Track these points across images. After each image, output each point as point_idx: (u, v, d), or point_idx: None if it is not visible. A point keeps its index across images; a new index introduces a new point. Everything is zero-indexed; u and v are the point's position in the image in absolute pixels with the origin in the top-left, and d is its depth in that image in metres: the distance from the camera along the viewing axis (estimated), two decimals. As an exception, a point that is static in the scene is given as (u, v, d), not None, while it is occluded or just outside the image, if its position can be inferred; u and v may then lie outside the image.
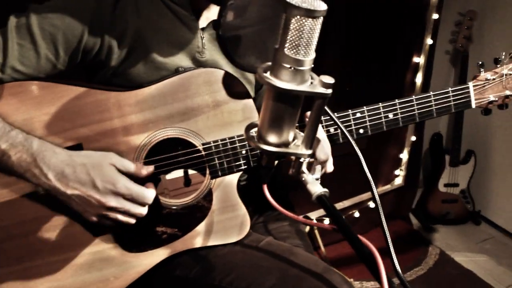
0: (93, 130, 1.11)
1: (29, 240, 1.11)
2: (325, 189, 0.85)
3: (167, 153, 1.15)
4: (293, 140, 0.86)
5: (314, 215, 2.69)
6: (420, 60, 2.70)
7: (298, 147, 0.85)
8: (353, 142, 0.96)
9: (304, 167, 0.89)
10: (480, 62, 1.28)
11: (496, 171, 3.18)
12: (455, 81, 3.22)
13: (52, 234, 1.12)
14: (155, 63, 1.16)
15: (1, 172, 1.01)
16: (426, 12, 2.59)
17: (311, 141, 0.85)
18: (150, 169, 1.09)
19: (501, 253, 3.01)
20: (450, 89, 1.25)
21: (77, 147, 1.10)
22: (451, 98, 1.25)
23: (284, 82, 0.74)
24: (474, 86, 1.27)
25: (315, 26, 0.72)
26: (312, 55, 0.75)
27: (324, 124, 1.20)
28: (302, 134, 0.86)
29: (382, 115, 1.21)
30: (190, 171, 1.19)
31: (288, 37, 0.72)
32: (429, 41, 2.65)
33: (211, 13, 1.21)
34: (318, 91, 0.76)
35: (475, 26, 2.90)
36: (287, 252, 1.15)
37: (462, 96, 1.26)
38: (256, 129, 0.85)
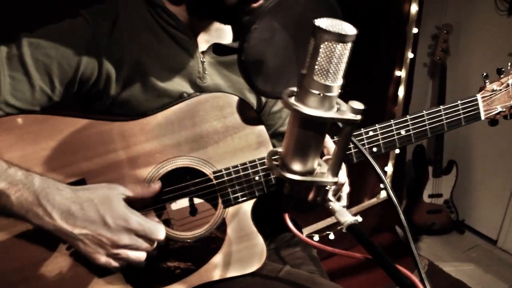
0: (96, 163, 1.04)
1: (30, 286, 1.02)
2: (355, 218, 0.81)
3: (176, 184, 1.09)
4: (318, 167, 0.82)
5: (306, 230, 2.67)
6: (401, 73, 2.73)
7: (324, 175, 0.81)
8: (375, 165, 0.92)
9: (330, 195, 0.85)
10: (485, 74, 1.28)
11: (478, 180, 3.23)
12: (433, 93, 3.27)
13: (55, 278, 1.03)
14: (156, 90, 1.10)
15: (1, 214, 0.92)
16: (406, 26, 2.62)
17: (338, 169, 0.82)
18: (157, 185, 1.03)
19: (488, 261, 3.04)
20: (459, 102, 1.24)
21: (80, 182, 1.02)
22: (461, 111, 1.24)
23: (312, 109, 0.71)
24: (482, 97, 1.26)
25: (345, 51, 0.69)
26: (340, 80, 0.72)
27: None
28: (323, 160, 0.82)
29: (395, 132, 1.19)
30: (200, 200, 1.13)
31: (317, 63, 0.69)
32: (409, 54, 2.68)
33: (210, 35, 1.16)
34: (348, 117, 0.73)
35: (451, 39, 2.96)
36: (309, 281, 1.10)
37: (471, 108, 1.25)
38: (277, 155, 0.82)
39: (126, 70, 1.07)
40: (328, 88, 0.70)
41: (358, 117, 0.73)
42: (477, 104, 1.25)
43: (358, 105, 0.74)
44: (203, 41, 1.15)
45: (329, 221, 2.81)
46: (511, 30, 2.80)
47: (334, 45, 0.67)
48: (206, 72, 1.14)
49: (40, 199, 0.90)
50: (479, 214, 3.27)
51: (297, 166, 0.78)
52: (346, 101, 0.74)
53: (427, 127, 1.21)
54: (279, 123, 1.34)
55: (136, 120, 1.06)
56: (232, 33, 1.22)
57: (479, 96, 1.26)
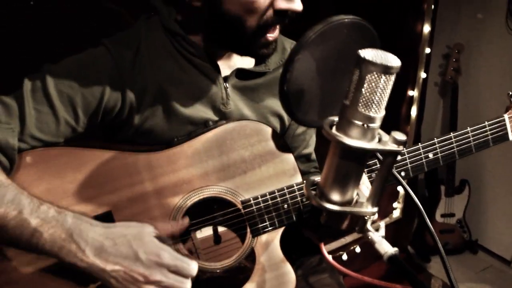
0: (122, 195, 1.02)
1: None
2: (395, 248, 0.80)
3: (204, 215, 1.07)
4: (356, 196, 0.81)
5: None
6: (414, 93, 2.72)
7: (363, 205, 0.80)
8: (411, 193, 0.91)
9: (369, 225, 0.84)
10: (510, 93, 1.27)
11: (491, 199, 3.19)
12: (444, 112, 3.25)
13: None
14: (180, 118, 1.09)
15: (30, 251, 0.89)
16: (419, 46, 2.62)
17: (378, 199, 0.80)
18: (186, 221, 1.01)
19: (502, 282, 3.00)
20: (486, 123, 1.22)
21: (107, 215, 1.01)
22: (488, 132, 1.22)
23: (354, 140, 0.70)
24: (509, 117, 1.25)
25: (389, 82, 0.68)
26: (383, 111, 0.71)
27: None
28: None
29: (422, 155, 1.18)
30: (224, 228, 1.11)
31: (362, 94, 0.68)
32: (422, 74, 2.67)
33: (232, 60, 1.15)
34: (390, 148, 0.72)
35: (462, 58, 2.96)
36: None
37: (499, 129, 1.23)
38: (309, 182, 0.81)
39: (149, 99, 1.06)
40: (371, 119, 0.70)
41: (401, 148, 0.72)
42: (505, 125, 1.23)
43: (401, 136, 0.73)
44: (226, 66, 1.14)
45: (342, 241, 2.79)
46: (523, 50, 2.80)
47: (379, 77, 0.67)
48: (229, 97, 1.13)
49: (74, 236, 0.88)
50: (492, 234, 3.23)
51: (336, 196, 0.77)
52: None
53: (455, 149, 1.20)
54: (302, 145, 1.33)
55: (162, 151, 1.05)
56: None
57: (506, 116, 1.24)
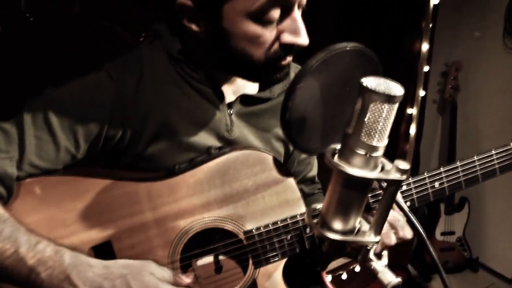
0: (122, 225, 1.00)
1: None
2: (399, 279, 0.78)
3: (205, 245, 1.05)
4: (358, 225, 0.79)
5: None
6: (413, 111, 2.72)
7: (365, 234, 0.78)
8: (416, 224, 0.89)
9: (371, 255, 0.82)
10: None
11: (491, 217, 3.18)
12: (443, 130, 3.25)
13: None
14: (182, 145, 1.07)
15: None
16: (417, 65, 2.63)
17: (381, 228, 0.79)
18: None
19: (503, 301, 2.97)
20: (493, 151, 1.20)
21: (106, 245, 0.98)
22: (495, 162, 1.20)
23: (357, 169, 0.68)
24: (516, 145, 1.23)
25: (392, 112, 0.67)
26: (386, 140, 0.69)
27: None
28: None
29: (428, 185, 1.15)
30: (230, 260, 1.08)
31: (364, 123, 0.66)
32: (421, 92, 2.68)
33: (236, 86, 1.13)
34: (393, 177, 0.70)
35: (460, 76, 2.97)
36: None
37: (506, 158, 1.21)
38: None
39: (152, 126, 1.04)
40: (374, 149, 0.68)
41: (404, 177, 0.70)
42: (512, 153, 1.21)
43: (404, 165, 0.71)
44: (230, 92, 1.12)
45: (341, 261, 2.76)
46: (521, 67, 2.81)
47: (382, 106, 0.65)
48: (233, 124, 1.11)
49: (71, 277, 0.85)
50: (493, 251, 3.21)
51: (338, 225, 0.75)
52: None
53: (461, 179, 1.17)
54: (307, 169, 1.32)
55: (164, 180, 1.02)
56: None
57: (513, 143, 1.22)
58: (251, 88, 1.14)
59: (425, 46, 2.61)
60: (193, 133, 1.07)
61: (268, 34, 0.93)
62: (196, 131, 1.08)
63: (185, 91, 1.06)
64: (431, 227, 3.10)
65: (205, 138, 1.09)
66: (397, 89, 0.67)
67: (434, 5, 2.69)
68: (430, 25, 2.68)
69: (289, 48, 0.96)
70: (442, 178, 1.16)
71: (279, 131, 1.17)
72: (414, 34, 2.63)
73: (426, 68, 2.65)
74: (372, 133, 0.67)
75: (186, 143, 1.07)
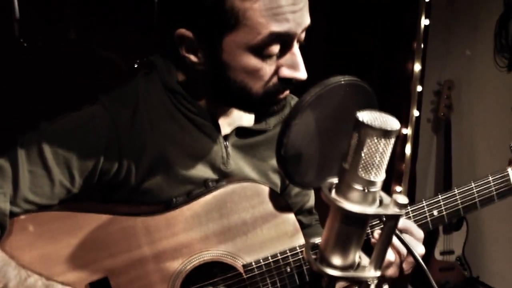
0: (120, 261, 0.99)
1: None
2: None
3: (205, 279, 1.03)
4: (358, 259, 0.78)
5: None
6: (407, 131, 2.73)
7: (365, 269, 0.77)
8: (418, 258, 0.89)
9: (372, 288, 0.81)
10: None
11: (489, 234, 3.17)
12: (438, 148, 3.26)
13: None
14: (179, 178, 1.06)
15: None
16: (410, 85, 2.65)
17: (381, 263, 0.77)
18: None
19: (505, 319, 2.95)
20: (490, 177, 1.20)
21: (103, 281, 0.97)
22: (493, 188, 1.20)
23: (355, 205, 0.67)
24: (512, 170, 1.23)
25: (389, 146, 0.66)
26: (384, 175, 0.69)
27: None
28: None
29: (427, 213, 1.15)
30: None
31: (361, 158, 0.66)
32: (415, 112, 2.69)
33: (232, 118, 1.13)
34: (391, 212, 0.70)
35: (453, 95, 2.99)
36: None
37: (503, 184, 1.21)
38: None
39: (147, 159, 1.04)
40: (371, 183, 0.67)
41: (403, 211, 0.69)
42: (509, 179, 1.21)
43: (402, 199, 0.71)
44: (225, 124, 1.12)
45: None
46: (512, 85, 2.83)
47: (379, 141, 0.64)
48: (229, 156, 1.11)
49: None
50: (493, 270, 3.19)
51: (337, 260, 0.74)
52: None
53: (459, 206, 1.17)
54: (305, 200, 1.31)
55: (161, 214, 1.02)
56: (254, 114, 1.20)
57: (509, 170, 1.22)
58: (247, 120, 1.14)
59: (417, 67, 2.64)
60: (189, 165, 1.07)
61: (268, 67, 0.94)
62: (192, 164, 1.07)
63: (181, 123, 1.06)
64: (430, 247, 3.08)
65: (201, 171, 1.08)
66: (393, 124, 0.66)
67: (425, 26, 2.73)
68: (422, 46, 2.71)
69: (287, 82, 0.97)
70: (440, 205, 1.16)
71: (275, 162, 1.17)
72: (406, 55, 2.66)
73: (419, 88, 2.67)
74: (369, 168, 0.66)
75: (182, 175, 1.06)
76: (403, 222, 1.08)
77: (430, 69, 2.89)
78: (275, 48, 0.91)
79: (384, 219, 0.73)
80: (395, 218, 0.71)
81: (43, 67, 2.08)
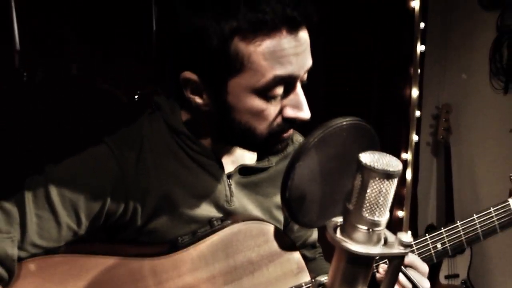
0: (127, 303, 0.99)
1: None
2: None
3: (211, 320, 1.03)
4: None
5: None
6: (407, 156, 2.74)
7: None
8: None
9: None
10: (512, 176, 1.27)
11: (494, 256, 3.15)
12: (439, 172, 3.27)
13: None
14: (184, 218, 1.07)
15: None
16: (409, 110, 2.68)
17: (388, 300, 0.78)
18: None
19: None
20: (492, 209, 1.21)
21: (111, 325, 0.97)
22: (495, 219, 1.21)
23: (360, 245, 0.69)
24: (513, 201, 1.24)
25: (392, 186, 0.68)
26: (388, 214, 0.70)
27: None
28: None
29: (430, 246, 1.16)
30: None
31: (365, 199, 0.67)
32: (414, 137, 2.71)
33: (235, 156, 1.15)
34: (396, 251, 0.71)
35: (452, 118, 3.02)
36: None
37: (505, 215, 1.22)
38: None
39: (152, 200, 1.05)
40: (376, 224, 0.68)
41: (407, 250, 0.70)
42: (510, 210, 1.22)
43: (407, 238, 0.72)
44: (229, 163, 1.13)
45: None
46: (509, 107, 2.86)
47: (382, 182, 0.65)
48: (233, 195, 1.12)
49: None
50: (499, 292, 3.17)
51: None
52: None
53: (462, 238, 1.18)
54: (308, 234, 1.32)
55: (167, 256, 1.02)
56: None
57: (511, 201, 1.24)
58: (249, 158, 1.16)
59: (415, 92, 2.67)
60: (194, 205, 1.08)
61: (272, 108, 0.96)
62: (196, 203, 1.08)
63: (185, 163, 1.07)
64: (435, 271, 3.06)
65: (205, 210, 1.09)
66: (395, 165, 0.68)
67: (421, 52, 2.77)
68: (419, 71, 2.74)
69: (291, 122, 0.98)
70: (443, 238, 1.17)
71: (277, 199, 1.18)
72: (403, 81, 2.69)
73: (417, 113, 2.69)
74: (373, 209, 0.68)
75: (187, 215, 1.07)
76: (407, 257, 1.09)
77: (427, 93, 2.93)
78: (279, 90, 0.93)
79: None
80: (401, 257, 0.72)
81: (43, 99, 2.09)
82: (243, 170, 1.13)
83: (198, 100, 0.99)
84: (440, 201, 3.27)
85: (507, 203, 1.22)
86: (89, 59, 2.20)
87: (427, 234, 1.16)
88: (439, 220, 3.28)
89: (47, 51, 2.13)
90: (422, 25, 2.76)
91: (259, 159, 1.16)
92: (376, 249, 0.69)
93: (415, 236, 1.16)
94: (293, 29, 0.90)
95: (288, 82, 0.94)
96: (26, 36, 2.03)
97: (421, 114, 2.73)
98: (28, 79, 2.10)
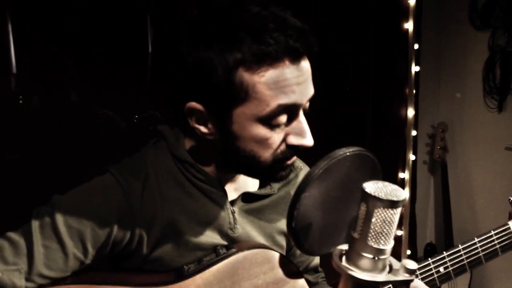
0: (134, 334, 0.99)
1: None
2: None
3: None
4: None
5: None
6: (405, 175, 2.76)
7: None
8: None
9: None
10: (511, 199, 1.29)
11: (494, 272, 3.15)
12: (436, 190, 3.29)
13: None
14: (189, 245, 1.08)
15: None
16: (405, 130, 2.70)
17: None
18: None
19: None
20: (492, 232, 1.23)
21: None
22: (496, 242, 1.23)
23: (366, 272, 0.71)
24: (513, 224, 1.26)
25: (396, 215, 0.69)
26: (392, 242, 0.72)
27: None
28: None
29: (433, 270, 1.17)
30: None
31: (370, 228, 0.69)
32: (411, 156, 2.74)
33: (238, 183, 1.16)
34: (402, 278, 0.73)
35: (447, 137, 3.05)
36: None
37: (506, 237, 1.24)
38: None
39: (158, 228, 1.06)
40: (381, 252, 0.70)
41: (413, 277, 0.72)
42: (511, 233, 1.24)
43: (412, 265, 0.73)
44: (232, 190, 1.15)
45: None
46: (504, 125, 2.89)
47: (386, 211, 0.68)
48: (236, 222, 1.13)
49: None
50: (500, 309, 3.16)
51: None
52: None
53: (465, 262, 1.20)
54: (310, 259, 1.33)
55: (175, 285, 1.03)
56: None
57: (511, 223, 1.25)
58: (252, 185, 1.17)
59: (410, 112, 2.70)
60: (199, 232, 1.09)
61: (276, 136, 0.97)
62: (201, 231, 1.09)
63: (190, 192, 1.08)
64: (435, 289, 3.06)
65: (210, 237, 1.10)
66: (399, 194, 0.70)
67: (416, 72, 2.81)
68: (414, 91, 2.78)
69: (295, 149, 1.00)
70: (446, 262, 1.18)
71: (280, 225, 1.19)
72: (399, 101, 2.73)
73: (414, 133, 2.72)
74: (378, 237, 0.69)
75: (192, 243, 1.08)
76: (412, 283, 1.10)
77: (423, 113, 2.96)
78: (283, 118, 0.95)
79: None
80: (406, 283, 0.74)
81: (41, 123, 2.09)
82: (246, 197, 1.14)
83: (203, 129, 1.01)
84: (439, 219, 3.29)
85: (507, 226, 1.24)
86: (86, 84, 2.21)
87: (429, 259, 1.17)
88: (438, 238, 3.29)
89: (43, 75, 2.15)
90: (416, 46, 2.82)
91: (261, 186, 1.18)
92: (381, 277, 0.71)
93: (415, 254, 1.18)
94: (295, 60, 0.92)
95: (292, 111, 0.96)
96: (22, 60, 2.04)
97: (417, 134, 2.76)
98: (24, 103, 2.11)
